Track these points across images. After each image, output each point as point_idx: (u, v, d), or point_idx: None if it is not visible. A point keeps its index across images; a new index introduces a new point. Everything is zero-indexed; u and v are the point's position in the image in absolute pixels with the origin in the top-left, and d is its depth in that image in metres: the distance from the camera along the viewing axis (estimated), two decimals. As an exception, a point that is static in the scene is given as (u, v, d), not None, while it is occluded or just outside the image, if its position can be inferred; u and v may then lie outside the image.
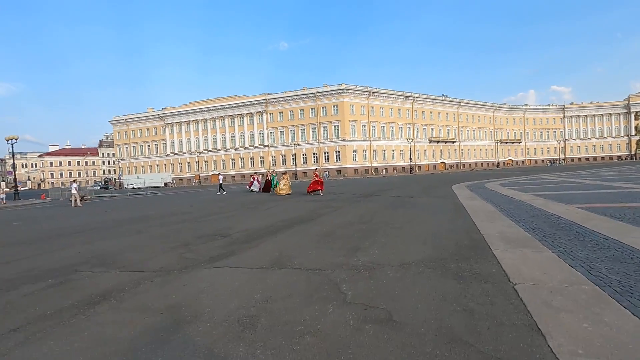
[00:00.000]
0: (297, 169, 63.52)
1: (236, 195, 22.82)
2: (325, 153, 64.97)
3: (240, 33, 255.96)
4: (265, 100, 67.95)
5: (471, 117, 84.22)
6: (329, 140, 64.36)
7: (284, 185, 19.72)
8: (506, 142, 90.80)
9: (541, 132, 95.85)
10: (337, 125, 63.59)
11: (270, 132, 68.88)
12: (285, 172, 22.67)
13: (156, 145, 79.19)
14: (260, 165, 69.63)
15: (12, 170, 33.87)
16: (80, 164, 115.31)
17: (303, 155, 66.54)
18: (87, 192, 30.49)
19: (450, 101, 79.70)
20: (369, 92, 65.67)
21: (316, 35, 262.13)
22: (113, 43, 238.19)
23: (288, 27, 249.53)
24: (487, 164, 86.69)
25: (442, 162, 78.42)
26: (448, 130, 79.48)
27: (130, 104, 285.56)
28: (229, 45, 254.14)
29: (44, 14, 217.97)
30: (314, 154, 65.88)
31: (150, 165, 79.76)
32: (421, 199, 13.60)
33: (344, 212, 10.59)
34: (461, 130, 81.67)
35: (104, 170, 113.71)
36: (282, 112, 67.95)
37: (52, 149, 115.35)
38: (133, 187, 65.80)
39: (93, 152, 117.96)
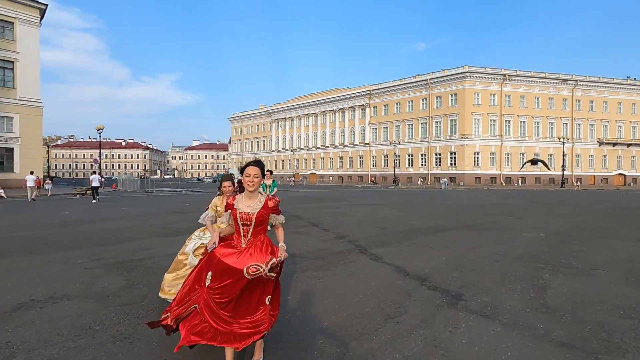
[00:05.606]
0: (399, 172, 52.68)
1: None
2: (436, 155, 51.97)
3: (377, 36, 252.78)
4: (368, 92, 59.07)
5: (678, 108, 56.29)
6: (442, 138, 51.13)
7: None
8: None
9: None
10: (455, 120, 49.77)
11: (373, 129, 59.63)
12: (234, 181, 3.32)
13: (263, 141, 79.96)
14: (358, 167, 61.38)
15: (97, 159, 34.87)
16: (214, 158, 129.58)
17: (408, 156, 55.01)
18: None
19: (637, 85, 54.66)
20: (504, 75, 49.34)
21: (455, 32, 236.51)
22: (268, 59, 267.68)
23: (424, 27, 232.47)
24: None
25: (619, 174, 54.46)
26: (634, 128, 54.67)
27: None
28: (364, 49, 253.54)
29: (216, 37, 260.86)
30: (422, 154, 53.64)
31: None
32: None
33: None
34: (658, 128, 55.31)
35: (230, 164, 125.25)
36: (387, 105, 57.80)
37: (194, 144, 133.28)
38: (234, 182, 67.67)
39: (225, 147, 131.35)
